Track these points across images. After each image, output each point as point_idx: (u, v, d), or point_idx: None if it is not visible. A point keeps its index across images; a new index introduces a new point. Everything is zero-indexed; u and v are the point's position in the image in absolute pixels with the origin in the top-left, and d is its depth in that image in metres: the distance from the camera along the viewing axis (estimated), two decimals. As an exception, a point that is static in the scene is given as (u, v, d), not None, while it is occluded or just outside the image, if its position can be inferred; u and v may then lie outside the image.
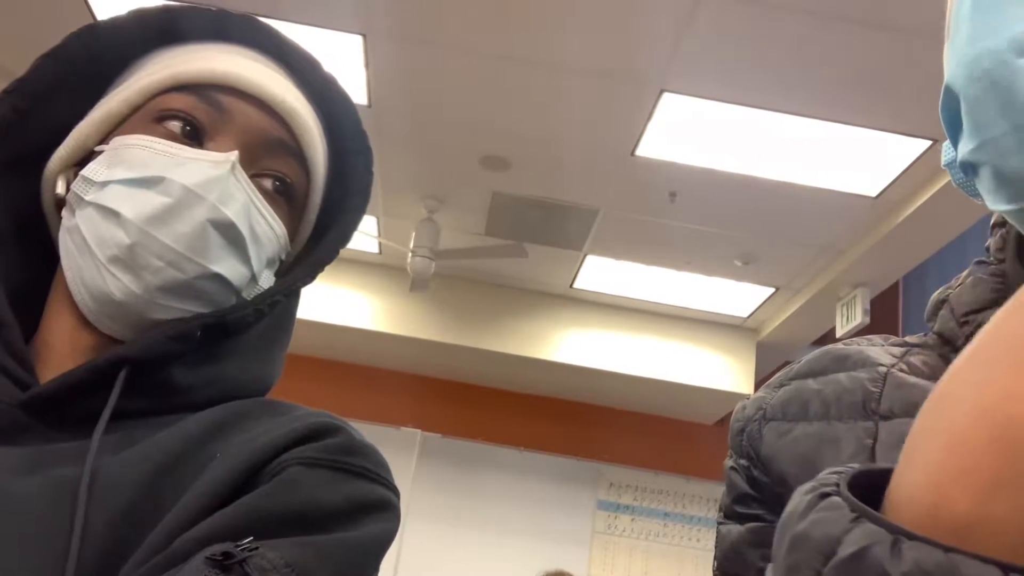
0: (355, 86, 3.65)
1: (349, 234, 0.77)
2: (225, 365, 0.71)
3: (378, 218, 4.85)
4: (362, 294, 5.40)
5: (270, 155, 0.72)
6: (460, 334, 5.44)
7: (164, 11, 0.76)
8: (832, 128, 3.45)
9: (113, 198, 0.66)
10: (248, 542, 0.55)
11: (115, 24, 0.75)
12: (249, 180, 0.69)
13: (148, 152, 0.68)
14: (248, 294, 0.71)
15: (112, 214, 0.66)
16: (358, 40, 3.37)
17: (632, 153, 3.83)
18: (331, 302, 5.27)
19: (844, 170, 3.74)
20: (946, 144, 0.52)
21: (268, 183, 0.72)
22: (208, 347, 0.70)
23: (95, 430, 0.62)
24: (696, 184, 4.00)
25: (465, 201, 4.56)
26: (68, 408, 0.65)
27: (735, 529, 0.65)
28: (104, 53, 0.75)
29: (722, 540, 0.66)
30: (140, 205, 0.66)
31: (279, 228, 0.72)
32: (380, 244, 5.10)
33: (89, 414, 0.64)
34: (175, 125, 0.70)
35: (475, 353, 5.51)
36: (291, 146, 0.73)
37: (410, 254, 4.59)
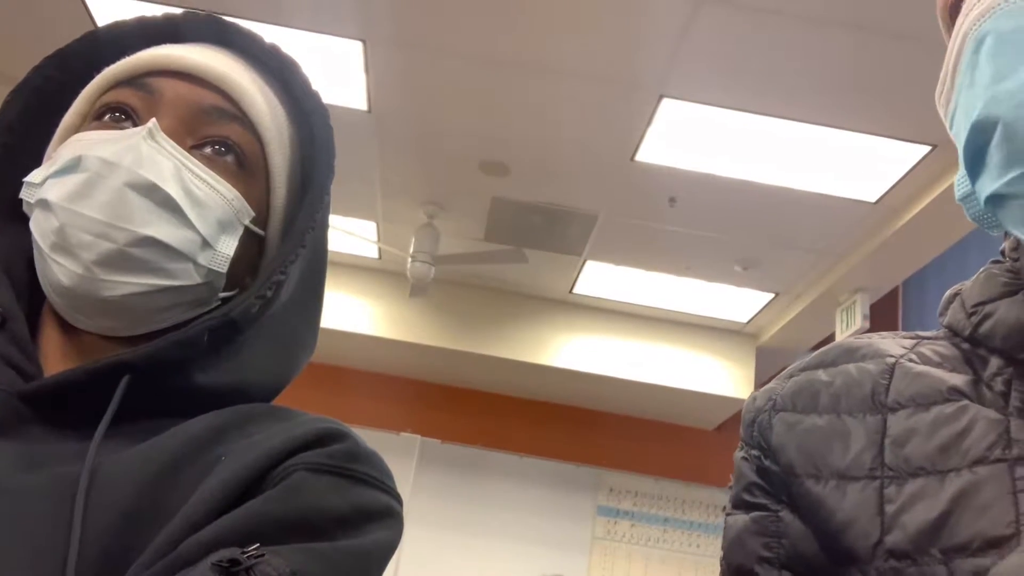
0: (355, 92, 3.65)
1: (322, 194, 0.75)
2: (236, 365, 0.70)
3: (377, 223, 4.85)
4: (361, 299, 5.39)
5: (208, 123, 0.72)
6: (459, 339, 5.44)
7: (165, 19, 0.77)
8: (831, 133, 3.45)
9: (45, 191, 0.68)
10: (254, 548, 0.55)
11: (118, 29, 0.77)
12: (176, 145, 0.69)
13: (77, 144, 0.69)
14: (208, 261, 0.69)
15: (44, 205, 0.67)
16: (358, 46, 3.37)
17: (632, 158, 3.83)
18: (330, 307, 5.24)
19: (843, 175, 3.74)
20: (959, 178, 0.53)
21: (209, 149, 0.71)
22: (219, 347, 0.69)
23: (95, 434, 0.62)
24: (696, 189, 4.00)
25: (465, 206, 4.56)
26: (68, 407, 0.64)
27: (741, 518, 0.65)
28: (105, 59, 0.75)
29: (728, 530, 0.66)
30: (62, 187, 0.67)
31: (226, 190, 0.70)
32: (379, 249, 5.10)
33: (90, 415, 0.63)
34: (109, 116, 0.71)
35: (474, 358, 5.50)
36: (229, 110, 0.73)
37: (409, 259, 4.58)
